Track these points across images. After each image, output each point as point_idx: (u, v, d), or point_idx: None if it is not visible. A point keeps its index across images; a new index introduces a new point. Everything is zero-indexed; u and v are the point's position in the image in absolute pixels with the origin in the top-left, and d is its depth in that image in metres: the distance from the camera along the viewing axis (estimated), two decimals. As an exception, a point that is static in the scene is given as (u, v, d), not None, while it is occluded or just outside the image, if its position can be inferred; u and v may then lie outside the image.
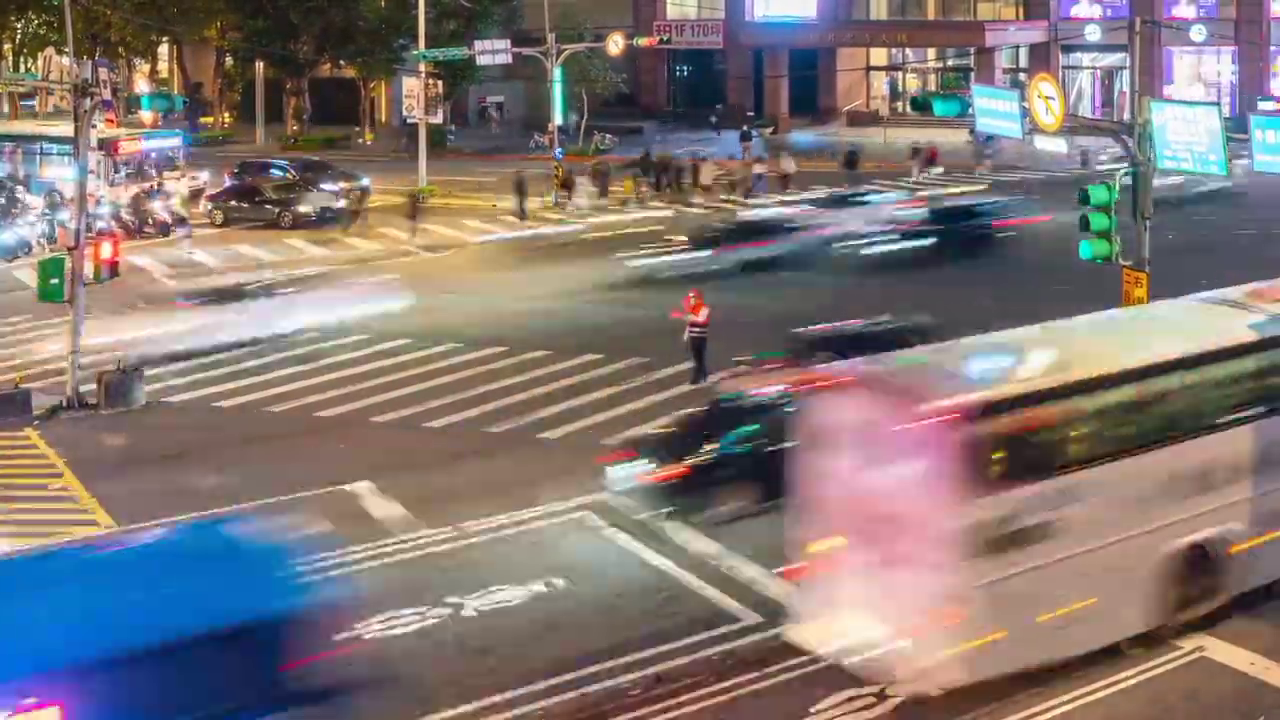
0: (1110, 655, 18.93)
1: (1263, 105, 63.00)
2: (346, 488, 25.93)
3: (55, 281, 32.02)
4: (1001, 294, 37.25)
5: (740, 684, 18.57)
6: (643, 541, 23.35)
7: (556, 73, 60.57)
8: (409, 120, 66.02)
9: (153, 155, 57.13)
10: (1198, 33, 69.94)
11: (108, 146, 53.16)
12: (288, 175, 58.55)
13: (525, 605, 21.07)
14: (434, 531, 23.35)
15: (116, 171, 54.71)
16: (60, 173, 51.95)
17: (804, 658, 18.83)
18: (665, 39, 70.69)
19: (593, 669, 18.95)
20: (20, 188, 53.86)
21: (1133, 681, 18.57)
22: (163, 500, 25.25)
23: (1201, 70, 75.78)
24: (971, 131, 65.58)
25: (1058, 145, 29.05)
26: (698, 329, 31.87)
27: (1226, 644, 19.33)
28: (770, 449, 22.91)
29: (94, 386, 31.32)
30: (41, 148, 56.69)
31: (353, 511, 24.90)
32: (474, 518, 24.28)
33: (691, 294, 32.23)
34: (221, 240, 51.42)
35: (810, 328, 30.49)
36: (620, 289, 41.64)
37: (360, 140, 79.38)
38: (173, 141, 59.62)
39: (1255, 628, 19.79)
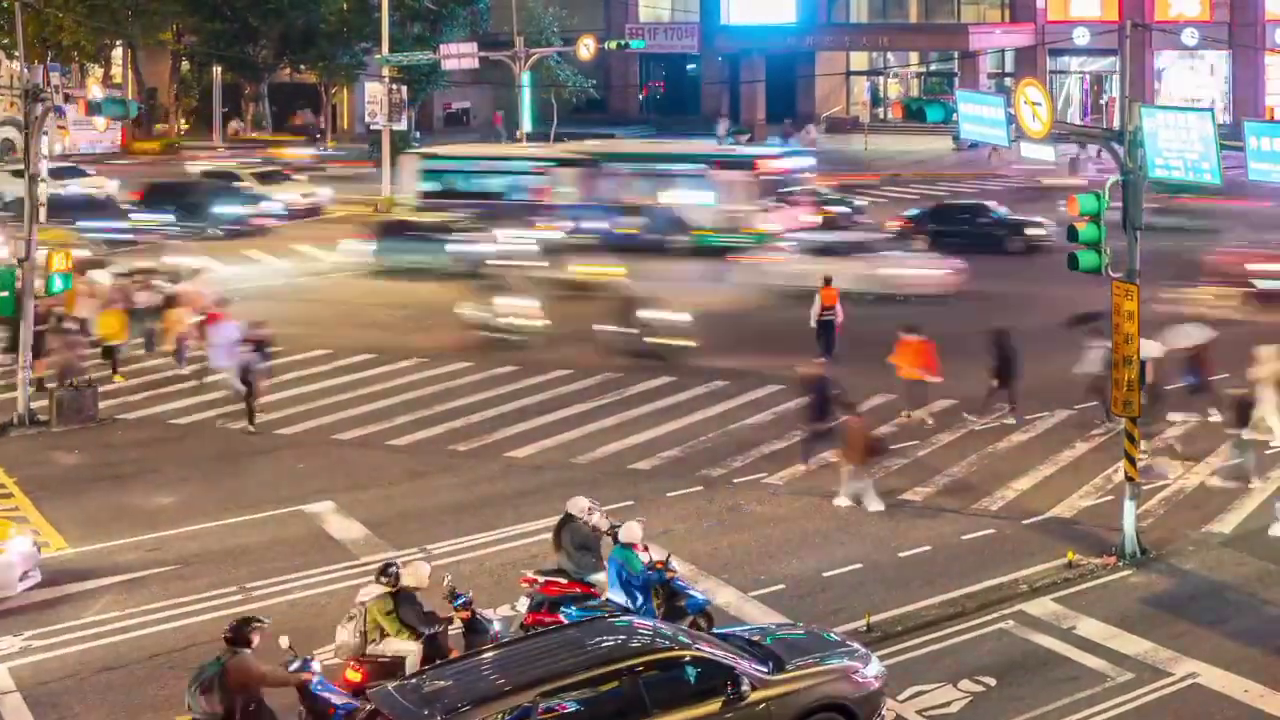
0: (1101, 681, 18.72)
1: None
2: (306, 508, 25.50)
3: (4, 295, 31.30)
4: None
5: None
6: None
7: (525, 77, 59.52)
8: (373, 126, 65.05)
9: None
10: (1190, 36, 68.90)
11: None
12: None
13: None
14: (398, 553, 22.52)
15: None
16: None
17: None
18: (628, 43, 68.98)
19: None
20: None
21: (1125, 708, 18.21)
22: (117, 521, 24.88)
23: (1195, 75, 75.04)
24: (955, 139, 64.97)
25: (1044, 153, 28.19)
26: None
27: (1220, 670, 19.04)
28: None
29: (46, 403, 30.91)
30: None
31: (313, 532, 24.40)
32: (439, 539, 23.79)
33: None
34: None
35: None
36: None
37: (322, 147, 78.16)
38: None
39: (1249, 654, 19.55)
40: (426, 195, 52.08)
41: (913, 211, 49.82)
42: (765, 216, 47.00)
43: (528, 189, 51.15)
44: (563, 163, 51.26)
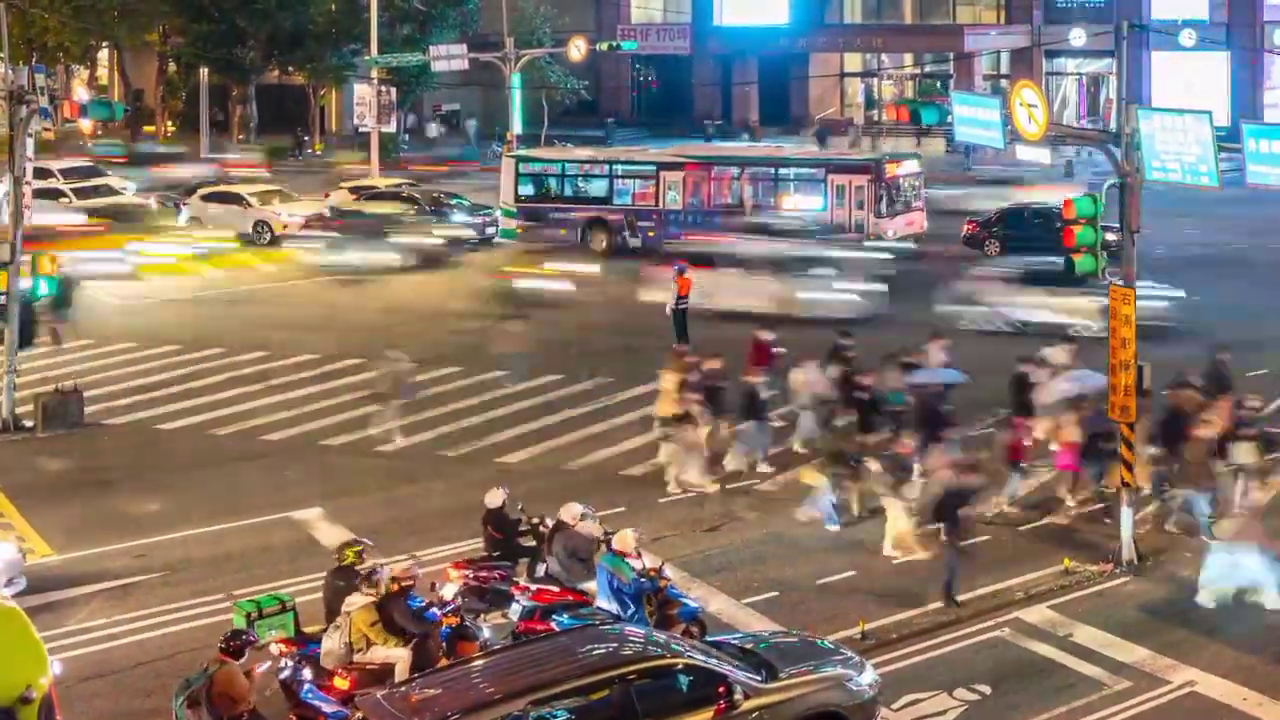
0: (1098, 689, 18.67)
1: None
2: (294, 514, 25.25)
3: (-3, 294, 30.95)
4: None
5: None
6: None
7: (515, 79, 59.21)
8: (361, 129, 64.63)
9: None
10: (1188, 37, 68.56)
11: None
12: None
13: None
14: (387, 560, 22.13)
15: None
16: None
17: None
18: (620, 45, 68.72)
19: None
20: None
21: (1123, 716, 18.19)
22: (103, 527, 24.70)
23: (1192, 76, 74.70)
24: (950, 141, 64.64)
25: (1041, 155, 28.09)
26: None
27: (1218, 678, 19.05)
28: None
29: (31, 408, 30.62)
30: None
31: (301, 539, 24.21)
32: (430, 545, 23.49)
33: None
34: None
35: None
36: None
37: (310, 149, 77.82)
38: None
39: (1247, 661, 19.57)
40: (522, 199, 51.42)
41: (980, 214, 48.34)
42: (887, 221, 46.78)
43: (630, 193, 50.58)
44: (667, 166, 50.71)
